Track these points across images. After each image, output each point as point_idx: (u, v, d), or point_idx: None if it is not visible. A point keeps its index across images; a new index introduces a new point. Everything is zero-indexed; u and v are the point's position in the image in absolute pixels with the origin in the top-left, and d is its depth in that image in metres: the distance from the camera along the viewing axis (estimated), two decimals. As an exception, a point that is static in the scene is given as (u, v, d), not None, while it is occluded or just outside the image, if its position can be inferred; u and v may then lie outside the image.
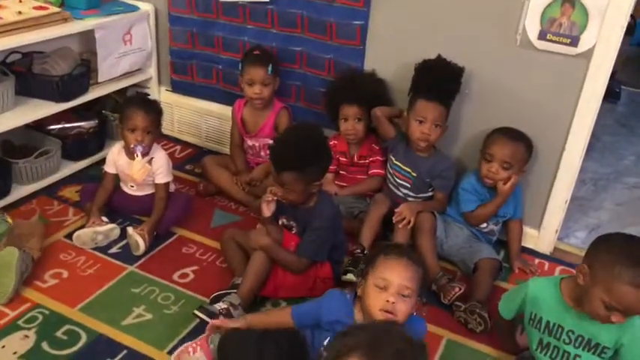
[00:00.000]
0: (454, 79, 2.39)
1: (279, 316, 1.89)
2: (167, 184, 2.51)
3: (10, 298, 2.06)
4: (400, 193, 2.53)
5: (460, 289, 2.17)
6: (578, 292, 1.68)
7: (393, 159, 2.53)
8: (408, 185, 2.50)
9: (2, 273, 2.07)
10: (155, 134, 2.46)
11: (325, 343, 1.74)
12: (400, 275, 1.65)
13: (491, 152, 2.32)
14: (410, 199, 2.51)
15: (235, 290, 2.06)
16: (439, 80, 2.35)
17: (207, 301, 2.10)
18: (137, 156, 2.41)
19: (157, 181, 2.48)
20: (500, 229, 2.49)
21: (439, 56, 2.39)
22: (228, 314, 1.96)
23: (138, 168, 2.42)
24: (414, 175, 2.48)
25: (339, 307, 1.76)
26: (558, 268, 2.49)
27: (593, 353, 1.72)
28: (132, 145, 2.40)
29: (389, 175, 2.58)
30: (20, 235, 2.23)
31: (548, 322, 1.77)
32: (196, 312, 1.97)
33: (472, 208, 2.40)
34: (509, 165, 2.30)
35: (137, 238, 2.32)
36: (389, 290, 1.63)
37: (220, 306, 1.98)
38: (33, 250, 2.21)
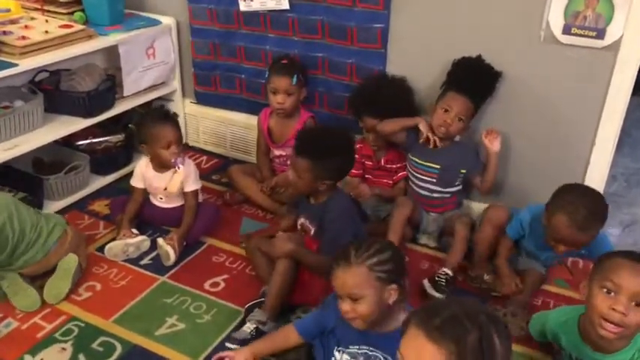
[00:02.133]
0: (489, 81, 2.38)
1: (284, 337, 1.84)
2: (196, 192, 2.53)
3: (60, 301, 2.15)
4: (424, 192, 2.50)
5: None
6: (589, 327, 1.65)
7: (410, 155, 2.52)
8: (434, 180, 2.47)
9: (61, 277, 2.17)
10: (181, 140, 2.51)
11: (335, 347, 1.72)
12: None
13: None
14: (436, 195, 2.49)
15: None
16: (474, 79, 2.35)
17: (241, 310, 2.12)
18: (178, 169, 2.45)
19: (186, 190, 2.50)
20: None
21: (479, 56, 2.38)
22: (260, 333, 1.97)
23: (178, 181, 2.46)
24: (438, 167, 2.45)
25: (338, 313, 1.68)
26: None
27: None
28: (172, 160, 2.44)
29: (410, 176, 2.55)
30: (73, 243, 2.28)
31: (571, 355, 1.76)
32: (228, 345, 1.97)
33: (510, 235, 2.28)
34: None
35: (167, 248, 2.34)
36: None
37: (249, 328, 1.99)
38: (81, 258, 2.28)
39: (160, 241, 2.38)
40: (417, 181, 2.53)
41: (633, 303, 1.53)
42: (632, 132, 3.55)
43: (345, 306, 1.58)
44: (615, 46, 2.17)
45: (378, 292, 1.55)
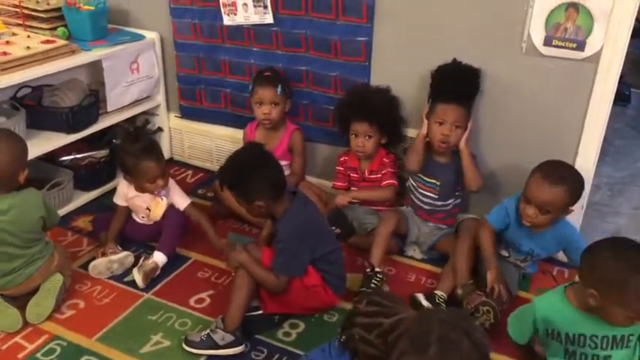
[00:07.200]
0: (472, 80, 2.39)
1: None
2: (191, 204, 2.52)
3: (43, 321, 2.11)
4: (425, 206, 2.51)
5: (482, 297, 2.14)
6: (590, 303, 1.65)
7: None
8: (435, 196, 2.48)
9: (45, 296, 2.14)
10: (167, 171, 2.49)
11: None
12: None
13: (529, 195, 2.12)
14: (438, 203, 2.50)
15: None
16: (456, 83, 2.35)
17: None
18: (162, 200, 2.45)
19: (182, 209, 2.49)
20: (530, 266, 2.41)
21: (454, 60, 2.39)
22: (210, 340, 1.99)
23: (162, 210, 2.46)
24: (439, 183, 2.46)
25: None
26: (579, 276, 2.44)
27: (622, 347, 1.71)
28: (156, 193, 2.44)
29: (412, 187, 2.54)
30: (59, 264, 2.24)
31: (567, 335, 1.74)
32: (184, 346, 2.02)
33: (491, 222, 2.29)
34: (546, 211, 2.11)
35: (136, 276, 2.31)
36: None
37: (204, 332, 2.03)
38: (66, 277, 2.24)
39: (135, 270, 2.34)
40: (418, 195, 2.53)
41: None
42: (614, 141, 3.59)
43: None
44: (596, 58, 2.20)
45: None
